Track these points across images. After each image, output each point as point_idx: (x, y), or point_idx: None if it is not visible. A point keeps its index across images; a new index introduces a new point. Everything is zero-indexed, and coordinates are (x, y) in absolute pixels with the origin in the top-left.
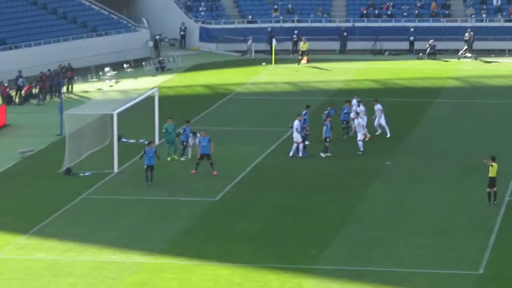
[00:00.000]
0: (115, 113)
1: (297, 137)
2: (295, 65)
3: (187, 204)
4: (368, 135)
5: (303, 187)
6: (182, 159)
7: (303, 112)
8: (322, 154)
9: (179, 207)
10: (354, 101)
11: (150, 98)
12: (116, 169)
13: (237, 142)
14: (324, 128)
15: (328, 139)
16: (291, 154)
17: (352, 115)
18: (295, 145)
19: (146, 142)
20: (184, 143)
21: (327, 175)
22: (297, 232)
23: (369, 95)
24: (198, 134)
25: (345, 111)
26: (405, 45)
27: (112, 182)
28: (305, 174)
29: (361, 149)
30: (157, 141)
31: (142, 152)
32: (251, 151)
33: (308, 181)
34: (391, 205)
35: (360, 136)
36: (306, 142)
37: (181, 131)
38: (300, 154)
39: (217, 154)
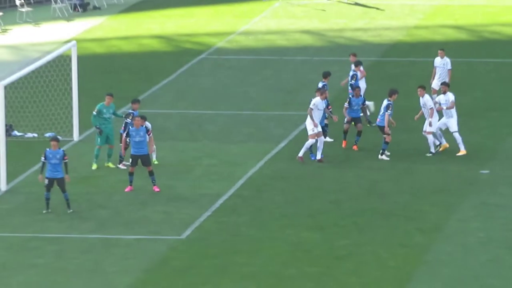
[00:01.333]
0: (0, 85)
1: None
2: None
3: (126, 246)
4: (393, 122)
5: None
6: (121, 166)
7: (321, 85)
8: (384, 156)
9: (112, 251)
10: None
11: (63, 60)
12: (3, 186)
13: (216, 139)
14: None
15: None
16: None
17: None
18: (309, 141)
19: (49, 137)
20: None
21: (387, 195)
22: None
23: (452, 54)
24: (128, 121)
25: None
26: None
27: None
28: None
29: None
30: (75, 136)
31: (43, 158)
32: (241, 154)
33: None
34: None
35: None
36: (327, 139)
37: (128, 119)
38: (316, 157)
39: (180, 160)
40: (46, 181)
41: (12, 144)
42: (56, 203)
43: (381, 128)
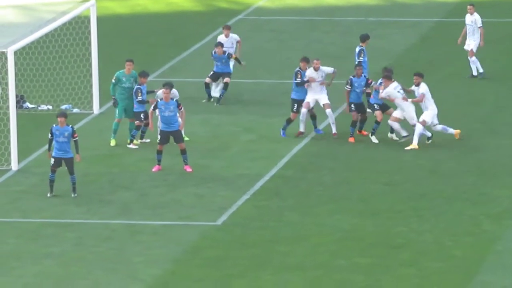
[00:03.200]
0: (10, 51)
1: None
2: None
3: (153, 233)
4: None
5: None
6: (132, 146)
7: (358, 50)
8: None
9: (137, 238)
10: None
11: (80, 22)
12: (14, 165)
13: (255, 112)
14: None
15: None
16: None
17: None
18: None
19: (68, 108)
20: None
21: (451, 177)
22: None
23: None
24: (158, 94)
25: None
26: None
27: (9, 191)
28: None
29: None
30: (96, 108)
31: (49, 135)
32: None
33: None
34: None
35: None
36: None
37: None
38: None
39: (215, 136)
40: (52, 161)
41: (23, 117)
42: (69, 185)
43: (370, 106)
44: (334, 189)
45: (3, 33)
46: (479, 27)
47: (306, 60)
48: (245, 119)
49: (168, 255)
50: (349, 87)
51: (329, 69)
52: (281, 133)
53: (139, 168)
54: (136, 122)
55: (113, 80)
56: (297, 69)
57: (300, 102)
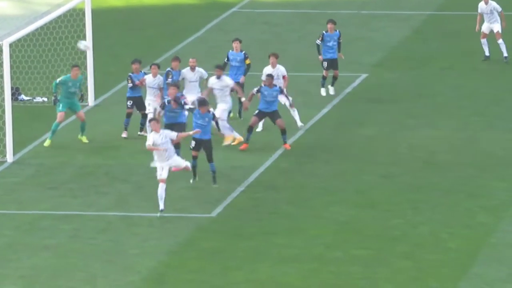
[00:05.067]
0: (5, 43)
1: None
2: None
3: (149, 225)
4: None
5: None
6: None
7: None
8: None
9: (133, 230)
10: None
11: (75, 14)
12: (10, 157)
13: (252, 106)
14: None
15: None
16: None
17: None
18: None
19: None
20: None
21: (447, 169)
22: None
23: None
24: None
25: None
26: None
27: (5, 182)
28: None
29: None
30: (91, 100)
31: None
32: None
33: None
34: None
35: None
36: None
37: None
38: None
39: None
40: (193, 144)
41: (19, 109)
42: (69, 176)
43: None
44: (330, 181)
45: None
46: (500, 12)
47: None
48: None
49: (164, 247)
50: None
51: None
52: None
53: (136, 160)
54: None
55: (57, 80)
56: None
57: None
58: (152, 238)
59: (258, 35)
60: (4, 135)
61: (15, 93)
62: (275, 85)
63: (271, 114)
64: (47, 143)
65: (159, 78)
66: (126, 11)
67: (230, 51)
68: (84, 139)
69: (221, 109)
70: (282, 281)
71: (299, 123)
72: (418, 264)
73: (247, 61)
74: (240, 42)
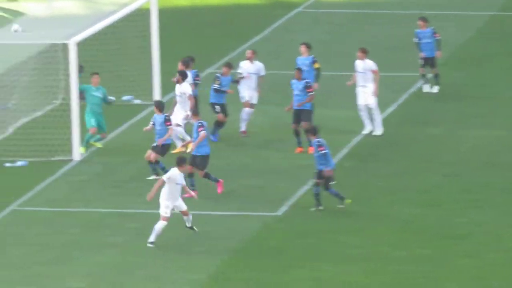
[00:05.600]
0: (72, 42)
1: None
2: None
3: (214, 223)
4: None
5: None
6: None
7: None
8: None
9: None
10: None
11: (141, 14)
12: (77, 155)
13: (314, 103)
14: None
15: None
16: None
17: None
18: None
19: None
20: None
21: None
22: None
23: None
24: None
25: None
26: None
27: (71, 181)
28: None
29: None
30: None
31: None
32: (343, 119)
33: None
34: None
35: None
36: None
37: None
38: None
39: (273, 127)
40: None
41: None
42: (134, 175)
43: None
44: (394, 180)
45: (65, 25)
46: None
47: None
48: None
49: (228, 245)
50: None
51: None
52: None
53: None
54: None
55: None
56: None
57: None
58: (217, 236)
59: (321, 35)
60: (71, 134)
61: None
62: (304, 79)
63: (301, 113)
64: (82, 150)
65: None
66: (191, 11)
67: (298, 56)
68: (83, 150)
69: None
70: (345, 279)
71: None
72: (481, 263)
73: (316, 65)
74: (308, 46)
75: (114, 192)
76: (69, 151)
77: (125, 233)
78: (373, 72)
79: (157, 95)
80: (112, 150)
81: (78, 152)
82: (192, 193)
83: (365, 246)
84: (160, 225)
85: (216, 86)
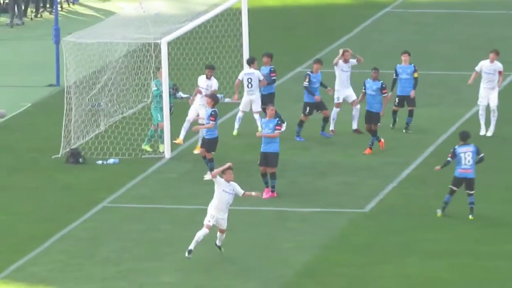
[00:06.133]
0: (163, 42)
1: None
2: None
3: (302, 219)
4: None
5: None
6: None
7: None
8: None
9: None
10: None
11: (232, 14)
12: (168, 153)
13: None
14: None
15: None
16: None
17: None
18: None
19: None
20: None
21: None
22: None
23: None
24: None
25: None
26: None
27: (162, 178)
28: None
29: None
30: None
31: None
32: (430, 118)
33: None
34: None
35: None
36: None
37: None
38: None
39: (360, 125)
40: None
41: (177, 106)
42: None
43: None
44: (480, 176)
45: (157, 25)
46: None
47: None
48: (390, 109)
49: (316, 241)
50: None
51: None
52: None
53: (288, 156)
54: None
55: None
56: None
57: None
58: (305, 232)
59: (410, 35)
60: (162, 131)
61: (173, 90)
62: (379, 80)
63: (372, 116)
64: (146, 147)
65: None
66: (280, 11)
67: (398, 64)
68: (148, 148)
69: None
70: (432, 275)
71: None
72: None
73: (415, 75)
74: (409, 54)
75: (204, 189)
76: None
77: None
78: (500, 73)
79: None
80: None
81: (169, 150)
82: (253, 193)
83: (451, 241)
84: (201, 233)
85: (305, 83)
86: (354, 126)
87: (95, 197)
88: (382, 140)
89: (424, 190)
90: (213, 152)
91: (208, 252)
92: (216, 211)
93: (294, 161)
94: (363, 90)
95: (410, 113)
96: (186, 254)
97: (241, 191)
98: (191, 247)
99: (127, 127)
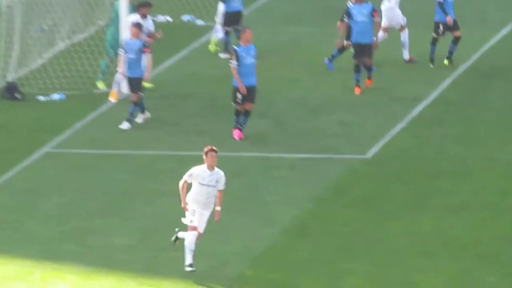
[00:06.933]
0: None
1: None
2: None
3: (290, 167)
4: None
5: None
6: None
7: None
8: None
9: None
10: None
11: None
12: (125, 87)
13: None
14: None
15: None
16: None
17: None
18: None
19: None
20: None
21: None
22: None
23: None
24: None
25: None
26: None
27: (121, 118)
28: None
29: None
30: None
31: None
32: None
33: None
34: None
35: None
36: None
37: None
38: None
39: None
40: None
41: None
42: (196, 109)
43: None
44: (507, 114)
45: None
46: None
47: None
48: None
49: (308, 193)
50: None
51: None
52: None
53: (274, 89)
54: None
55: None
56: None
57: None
58: (295, 182)
59: None
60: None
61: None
62: (367, 2)
63: (365, 48)
64: (99, 83)
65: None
66: None
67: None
68: (102, 85)
69: None
70: (448, 232)
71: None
72: None
73: None
74: None
75: (169, 131)
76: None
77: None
78: None
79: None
80: (169, 82)
81: (126, 85)
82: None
83: (471, 193)
84: (191, 238)
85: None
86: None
87: (36, 140)
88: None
89: (439, 132)
90: (140, 93)
91: (174, 207)
92: (196, 205)
93: (283, 96)
94: (345, 20)
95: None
96: (188, 269)
97: (222, 187)
98: (189, 260)
99: (75, 55)
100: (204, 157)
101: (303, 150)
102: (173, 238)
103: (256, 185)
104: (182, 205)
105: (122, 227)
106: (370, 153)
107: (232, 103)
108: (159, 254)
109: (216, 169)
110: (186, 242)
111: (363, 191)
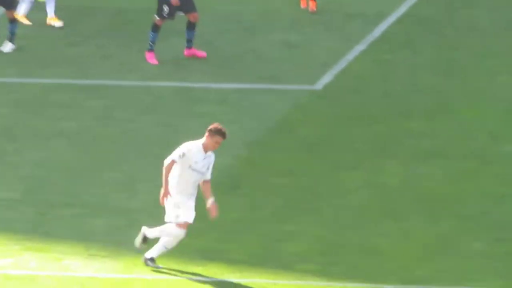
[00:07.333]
0: None
1: None
2: None
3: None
4: None
5: None
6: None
7: None
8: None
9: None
10: None
11: None
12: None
13: None
14: None
15: None
16: None
17: None
18: None
19: None
20: None
21: None
22: None
23: None
24: None
25: None
26: None
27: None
28: None
29: None
30: None
31: None
32: None
33: None
34: None
35: None
36: None
37: None
38: None
39: None
40: None
41: None
42: (100, 26)
43: None
44: (496, 37)
45: None
46: None
47: None
48: None
49: (242, 134)
50: None
51: None
52: None
53: (202, 3)
54: None
55: None
56: None
57: None
58: (225, 120)
59: None
60: None
61: None
62: None
63: None
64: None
65: None
66: None
67: None
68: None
69: None
70: (420, 187)
71: None
72: None
73: None
74: None
75: (67, 53)
76: None
77: (83, 115)
78: None
79: None
80: None
81: None
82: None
83: (451, 137)
84: (173, 241)
85: None
86: None
87: None
88: None
89: (410, 56)
90: (14, 11)
91: (70, 151)
92: (180, 198)
93: (208, 10)
94: None
95: None
96: (150, 264)
97: (210, 176)
98: (155, 254)
99: None
100: (206, 134)
101: (235, 79)
102: (138, 239)
103: (175, 124)
104: (163, 193)
105: (2, 176)
106: (320, 84)
107: (154, 16)
108: (48, 211)
109: (210, 152)
110: (166, 242)
111: (312, 133)
